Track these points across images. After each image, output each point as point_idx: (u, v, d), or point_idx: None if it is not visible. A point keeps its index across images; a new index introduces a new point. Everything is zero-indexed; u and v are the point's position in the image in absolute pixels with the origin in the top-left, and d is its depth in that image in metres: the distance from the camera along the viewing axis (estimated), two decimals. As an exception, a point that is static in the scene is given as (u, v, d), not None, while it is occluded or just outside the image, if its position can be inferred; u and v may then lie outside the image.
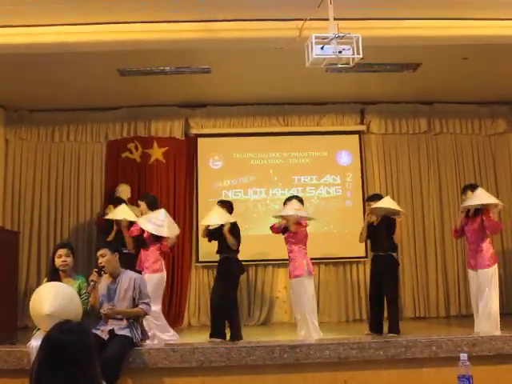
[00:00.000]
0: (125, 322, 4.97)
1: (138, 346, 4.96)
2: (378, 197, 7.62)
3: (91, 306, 5.03)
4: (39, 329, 4.85)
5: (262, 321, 9.22)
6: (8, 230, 8.04)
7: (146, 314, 5.17)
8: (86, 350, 2.28)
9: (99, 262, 5.07)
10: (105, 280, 5.13)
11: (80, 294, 5.04)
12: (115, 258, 5.13)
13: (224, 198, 8.33)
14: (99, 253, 5.12)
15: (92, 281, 4.95)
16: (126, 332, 4.92)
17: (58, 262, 5.11)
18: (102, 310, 4.98)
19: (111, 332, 4.89)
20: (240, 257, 9.19)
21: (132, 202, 9.11)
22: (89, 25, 6.20)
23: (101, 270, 5.01)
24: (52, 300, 4.62)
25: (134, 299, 5.07)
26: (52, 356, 2.22)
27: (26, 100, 9.21)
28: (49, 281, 5.06)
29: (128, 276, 5.16)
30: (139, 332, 5.03)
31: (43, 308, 4.59)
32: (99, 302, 5.05)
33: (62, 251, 5.15)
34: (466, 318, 8.99)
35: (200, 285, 9.38)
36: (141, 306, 5.05)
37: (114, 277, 5.14)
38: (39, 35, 6.16)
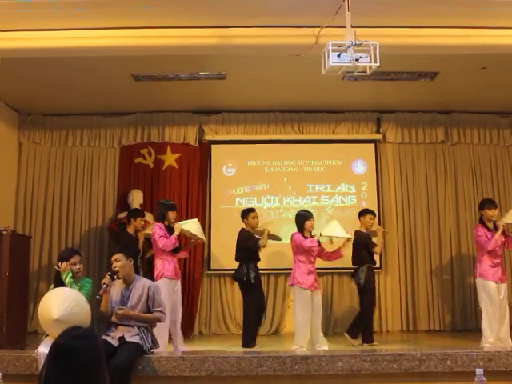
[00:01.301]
0: (135, 329, 4.93)
1: (147, 354, 4.92)
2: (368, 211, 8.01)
3: (102, 311, 4.99)
4: (48, 335, 4.82)
5: (273, 330, 9.13)
6: (19, 234, 8.07)
7: (159, 321, 5.14)
8: (95, 356, 2.25)
9: (113, 266, 5.05)
10: (118, 286, 5.11)
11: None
12: (130, 264, 5.10)
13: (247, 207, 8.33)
14: (114, 257, 5.10)
15: (104, 284, 4.92)
16: (136, 339, 4.89)
17: (73, 269, 5.10)
18: (115, 310, 4.93)
19: (121, 339, 4.86)
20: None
21: (144, 208, 9.11)
22: (104, 29, 6.17)
23: (114, 274, 4.98)
24: (60, 305, 4.59)
25: (148, 307, 5.04)
26: (60, 363, 2.18)
27: (39, 104, 9.23)
28: (56, 287, 5.03)
29: (142, 283, 5.13)
30: (149, 340, 4.99)
31: (51, 313, 4.56)
32: (110, 308, 5.02)
33: (76, 258, 5.17)
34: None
35: (212, 293, 9.31)
36: (155, 314, 5.02)
37: (128, 283, 5.11)
38: (53, 39, 6.13)
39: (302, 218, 7.01)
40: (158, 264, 6.74)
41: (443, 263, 9.41)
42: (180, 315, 6.87)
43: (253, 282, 7.60)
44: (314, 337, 6.73)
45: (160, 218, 6.90)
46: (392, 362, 4.87)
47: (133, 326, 4.95)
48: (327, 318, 9.16)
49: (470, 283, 9.33)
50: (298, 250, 6.89)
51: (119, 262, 5.05)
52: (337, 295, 9.30)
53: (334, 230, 7.06)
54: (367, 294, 7.66)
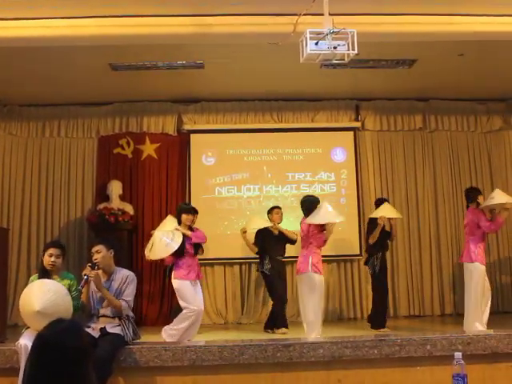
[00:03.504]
0: (116, 321, 4.92)
1: (129, 345, 4.90)
2: (381, 201, 8.20)
3: (82, 303, 4.95)
4: (28, 327, 4.79)
5: (256, 319, 9.15)
6: (-3, 226, 7.98)
7: (122, 312, 4.97)
8: (82, 350, 2.21)
9: (94, 258, 4.99)
10: (99, 277, 5.06)
11: (70, 292, 5.00)
12: (110, 255, 5.06)
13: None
14: (94, 249, 5.03)
15: (85, 275, 4.86)
16: (118, 330, 4.88)
17: (47, 260, 5.03)
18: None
19: (103, 330, 4.84)
20: (232, 255, 9.14)
21: (123, 199, 9.07)
22: (80, 18, 6.08)
23: (94, 265, 4.93)
24: (41, 297, 4.55)
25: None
26: (45, 356, 2.14)
27: (15, 95, 9.08)
28: (39, 278, 4.99)
29: (121, 274, 5.09)
30: (131, 331, 4.97)
31: (33, 305, 4.52)
32: (91, 300, 4.99)
33: (53, 251, 5.06)
34: (461, 316, 8.95)
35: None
36: (122, 303, 4.94)
37: (108, 274, 5.07)
38: (29, 28, 6.04)
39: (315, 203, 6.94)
40: None
41: (422, 249, 9.51)
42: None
43: (268, 273, 7.91)
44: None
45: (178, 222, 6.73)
46: (372, 348, 4.91)
47: (114, 317, 4.93)
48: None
49: (448, 268, 9.45)
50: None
51: (100, 253, 5.00)
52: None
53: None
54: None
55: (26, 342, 4.50)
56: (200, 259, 9.05)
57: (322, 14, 5.24)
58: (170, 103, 9.61)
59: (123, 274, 5.08)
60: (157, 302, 8.97)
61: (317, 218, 6.69)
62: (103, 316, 4.95)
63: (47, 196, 9.40)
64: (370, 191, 9.63)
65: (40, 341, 2.20)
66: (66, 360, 2.14)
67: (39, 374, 2.13)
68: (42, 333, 2.22)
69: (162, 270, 9.13)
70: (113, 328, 4.87)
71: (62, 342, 2.16)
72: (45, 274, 5.03)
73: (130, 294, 5.02)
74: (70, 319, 2.37)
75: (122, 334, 4.86)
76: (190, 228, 6.64)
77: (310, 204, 6.86)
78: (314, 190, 9.52)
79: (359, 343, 4.94)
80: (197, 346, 4.97)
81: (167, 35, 6.32)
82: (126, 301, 4.97)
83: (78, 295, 4.97)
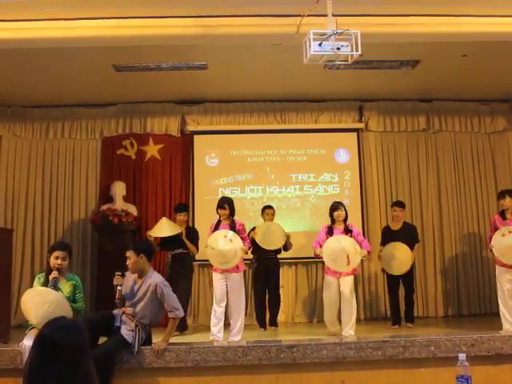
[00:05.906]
0: (133, 325, 4.96)
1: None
2: (401, 204, 8.42)
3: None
4: (32, 328, 4.81)
5: (258, 320, 9.13)
6: (1, 227, 8.01)
7: (179, 317, 5.15)
8: (79, 347, 2.24)
9: (127, 263, 5.12)
10: (131, 278, 5.20)
11: (74, 294, 5.04)
12: (140, 260, 5.10)
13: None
14: (127, 254, 5.15)
15: (118, 285, 5.11)
16: (129, 337, 4.91)
17: (53, 262, 5.08)
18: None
19: (118, 329, 4.95)
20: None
21: (127, 199, 9.07)
22: (84, 20, 6.10)
23: (123, 274, 5.17)
24: (39, 310, 4.58)
25: (158, 302, 5.06)
26: (44, 353, 2.18)
27: (19, 96, 9.11)
28: (46, 278, 5.04)
29: (151, 280, 5.11)
30: (141, 341, 4.97)
31: (31, 319, 4.60)
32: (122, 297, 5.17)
33: (59, 253, 5.10)
34: (465, 317, 8.97)
35: (196, 284, 9.28)
36: (171, 315, 5.04)
37: (141, 277, 5.15)
38: (33, 30, 6.05)
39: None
40: None
41: (426, 250, 9.46)
42: (232, 306, 6.89)
43: None
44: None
45: None
46: (376, 349, 4.91)
47: (132, 321, 4.98)
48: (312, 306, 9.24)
49: (452, 269, 9.42)
50: None
51: (131, 259, 5.10)
52: (319, 285, 9.31)
53: None
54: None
55: (29, 342, 4.50)
56: (202, 260, 9.13)
57: (326, 15, 5.25)
58: (173, 104, 9.61)
59: (152, 281, 5.10)
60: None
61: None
62: (125, 313, 5.05)
63: (51, 197, 9.41)
64: (374, 192, 9.61)
65: (40, 338, 2.22)
66: (64, 357, 2.16)
67: (38, 370, 2.15)
68: (42, 331, 2.25)
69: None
70: (125, 330, 4.93)
71: (57, 339, 2.18)
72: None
73: (171, 300, 5.07)
74: (72, 319, 2.38)
75: (130, 341, 4.88)
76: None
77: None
78: (318, 191, 9.55)
79: (363, 344, 4.94)
80: (200, 346, 4.98)
81: (170, 36, 6.33)
82: (171, 311, 5.04)
83: (83, 298, 5.05)
